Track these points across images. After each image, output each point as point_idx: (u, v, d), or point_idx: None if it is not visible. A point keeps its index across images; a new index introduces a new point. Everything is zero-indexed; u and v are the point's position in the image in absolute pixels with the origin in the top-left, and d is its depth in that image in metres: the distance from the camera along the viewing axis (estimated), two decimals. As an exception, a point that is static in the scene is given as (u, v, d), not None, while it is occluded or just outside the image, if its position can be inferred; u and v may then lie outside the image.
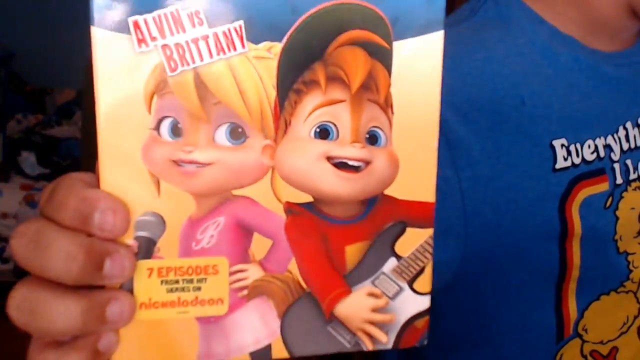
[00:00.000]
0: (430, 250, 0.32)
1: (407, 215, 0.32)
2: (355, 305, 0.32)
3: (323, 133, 0.30)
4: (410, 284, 0.32)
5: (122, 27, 0.28)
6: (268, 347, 0.31)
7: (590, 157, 0.58)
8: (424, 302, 0.33)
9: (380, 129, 0.31)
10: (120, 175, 0.29)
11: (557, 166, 0.57)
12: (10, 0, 2.44)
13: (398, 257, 0.32)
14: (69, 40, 2.47)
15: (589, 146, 0.58)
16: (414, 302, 0.32)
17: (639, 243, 0.62)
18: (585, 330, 0.62)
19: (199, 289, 0.30)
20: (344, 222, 0.31)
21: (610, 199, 0.60)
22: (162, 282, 0.30)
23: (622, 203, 0.60)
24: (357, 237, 0.31)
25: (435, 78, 0.31)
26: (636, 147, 0.62)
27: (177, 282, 0.30)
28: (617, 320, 0.63)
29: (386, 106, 0.31)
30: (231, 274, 0.30)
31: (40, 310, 0.28)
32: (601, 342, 0.63)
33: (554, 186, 0.57)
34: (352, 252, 0.32)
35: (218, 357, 0.31)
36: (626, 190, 0.61)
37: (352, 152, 0.31)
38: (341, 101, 0.30)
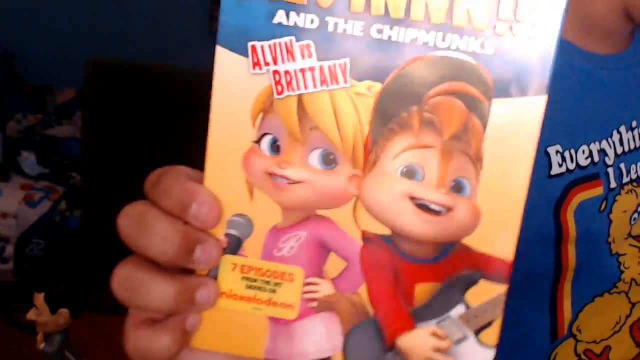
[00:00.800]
0: (502, 306, 0.33)
1: (482, 267, 0.32)
2: (418, 341, 0.33)
3: (410, 173, 0.32)
4: (477, 333, 0.33)
5: (242, 50, 0.31)
6: None
7: (584, 162, 0.59)
8: (488, 355, 0.33)
9: (467, 179, 0.31)
10: (221, 177, 0.33)
11: (553, 172, 0.58)
12: (10, 1, 2.44)
13: (467, 306, 0.33)
14: (69, 40, 2.48)
15: (584, 152, 0.59)
16: (477, 352, 0.33)
17: (630, 244, 0.63)
18: (580, 331, 0.63)
19: (274, 291, 0.33)
20: (417, 261, 0.32)
21: (604, 203, 0.60)
22: (243, 278, 0.33)
23: (616, 206, 0.61)
24: (429, 277, 0.32)
25: (532, 141, 0.31)
26: (630, 151, 0.62)
27: (256, 280, 0.33)
28: (610, 321, 0.64)
29: (476, 159, 0.31)
30: (305, 284, 0.33)
31: (140, 288, 0.32)
32: (594, 342, 0.64)
33: (549, 192, 0.58)
34: (422, 291, 0.33)
35: (282, 357, 0.34)
36: (619, 194, 0.62)
37: (435, 196, 0.32)
38: (432, 147, 0.31)
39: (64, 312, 0.80)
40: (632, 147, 0.63)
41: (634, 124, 0.63)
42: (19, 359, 0.93)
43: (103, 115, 1.70)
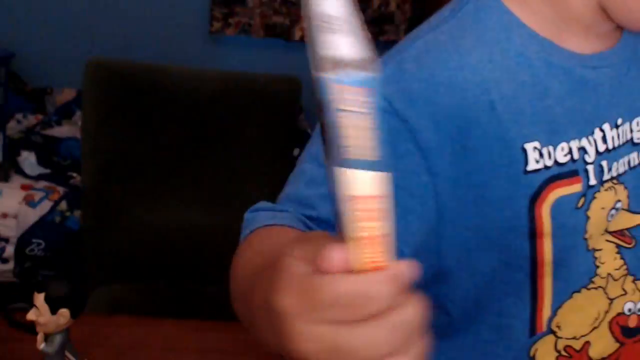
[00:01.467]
0: None
1: None
2: None
3: None
4: None
5: None
6: None
7: (563, 159, 0.61)
8: None
9: None
10: None
11: (529, 168, 0.59)
12: (10, 1, 2.44)
13: None
14: (69, 40, 2.48)
15: (563, 149, 0.61)
16: None
17: (606, 240, 0.65)
18: (559, 327, 0.65)
19: None
20: None
21: (582, 200, 0.62)
22: None
23: (594, 203, 0.63)
24: None
25: None
26: (614, 148, 0.63)
27: None
28: (589, 316, 0.65)
29: None
30: None
31: None
32: (574, 338, 0.65)
33: (524, 187, 0.59)
34: None
35: None
36: (599, 190, 0.63)
37: None
38: None
39: (64, 312, 0.80)
40: (616, 144, 0.63)
41: (619, 121, 0.64)
42: (19, 359, 0.93)
43: (103, 116, 1.70)
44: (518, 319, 0.63)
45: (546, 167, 0.60)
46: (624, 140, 0.64)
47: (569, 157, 0.61)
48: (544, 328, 0.64)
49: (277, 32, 2.55)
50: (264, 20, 2.55)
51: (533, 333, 0.64)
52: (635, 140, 0.65)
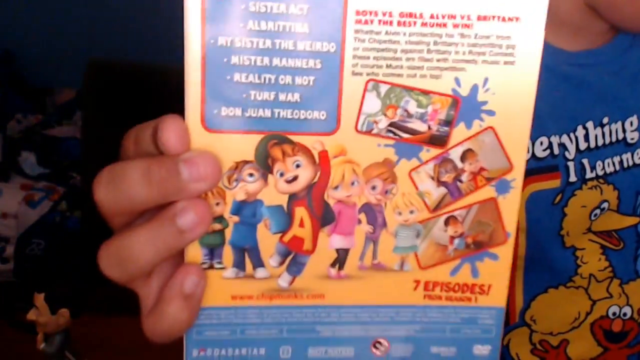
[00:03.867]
0: None
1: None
2: None
3: None
4: None
5: None
6: None
7: (542, 154, 0.60)
8: None
9: None
10: None
11: None
12: (11, 0, 2.44)
13: None
14: (69, 40, 2.48)
15: (542, 143, 0.60)
16: None
17: (589, 239, 0.64)
18: (534, 321, 0.65)
19: None
20: None
21: (560, 196, 0.61)
22: None
23: (573, 200, 0.62)
24: None
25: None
26: (597, 147, 0.63)
27: None
28: (567, 315, 0.65)
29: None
30: None
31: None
32: (550, 334, 0.66)
33: None
34: None
35: None
36: (580, 188, 0.62)
37: None
38: None
39: (64, 312, 0.80)
40: (600, 143, 0.63)
41: (605, 120, 0.63)
42: (19, 359, 0.93)
43: (103, 115, 1.70)
44: None
45: None
46: (614, 139, 0.64)
47: (548, 151, 0.61)
48: (517, 319, 0.64)
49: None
50: (264, 20, 2.55)
51: (507, 324, 0.64)
52: (629, 141, 0.64)
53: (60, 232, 1.98)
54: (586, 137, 0.62)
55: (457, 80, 0.32)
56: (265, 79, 0.31)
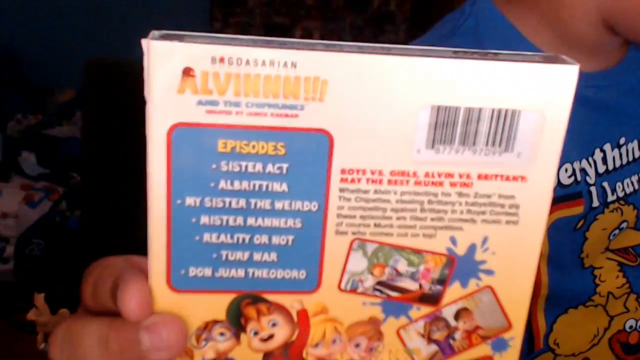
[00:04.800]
0: None
1: None
2: None
3: None
4: None
5: None
6: None
7: (567, 181, 0.59)
8: None
9: None
10: None
11: None
12: (11, 1, 2.44)
13: None
14: (69, 40, 2.48)
15: (566, 170, 0.59)
16: None
17: (607, 258, 0.63)
18: (557, 345, 0.64)
19: None
20: None
21: (582, 221, 0.60)
22: None
23: (596, 224, 0.61)
24: None
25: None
26: (615, 169, 0.61)
27: None
28: (588, 333, 0.64)
29: None
30: None
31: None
32: (573, 355, 0.64)
33: None
34: None
35: None
36: (602, 212, 0.61)
37: None
38: None
39: (64, 312, 0.80)
40: (617, 164, 0.62)
41: (622, 140, 0.62)
42: (19, 359, 0.93)
43: (103, 115, 1.70)
44: None
45: None
46: (630, 159, 0.62)
47: (572, 178, 0.59)
48: (542, 345, 0.63)
49: (277, 32, 2.55)
50: (264, 20, 2.55)
51: (531, 350, 0.63)
52: None
53: (60, 232, 1.98)
54: (604, 160, 0.61)
55: (452, 239, 0.29)
56: (238, 239, 0.28)
